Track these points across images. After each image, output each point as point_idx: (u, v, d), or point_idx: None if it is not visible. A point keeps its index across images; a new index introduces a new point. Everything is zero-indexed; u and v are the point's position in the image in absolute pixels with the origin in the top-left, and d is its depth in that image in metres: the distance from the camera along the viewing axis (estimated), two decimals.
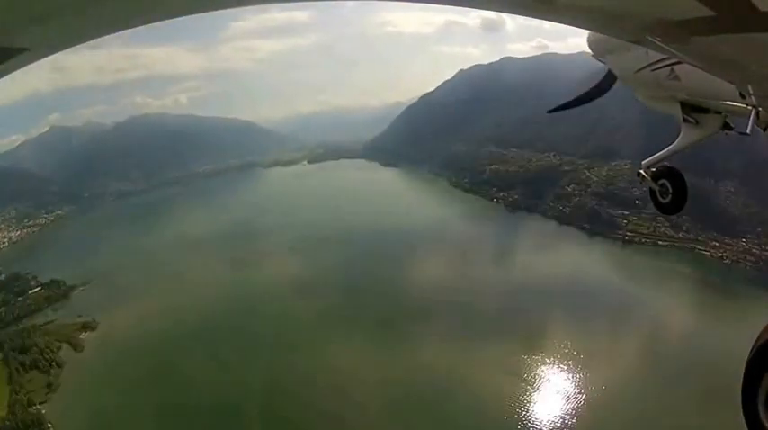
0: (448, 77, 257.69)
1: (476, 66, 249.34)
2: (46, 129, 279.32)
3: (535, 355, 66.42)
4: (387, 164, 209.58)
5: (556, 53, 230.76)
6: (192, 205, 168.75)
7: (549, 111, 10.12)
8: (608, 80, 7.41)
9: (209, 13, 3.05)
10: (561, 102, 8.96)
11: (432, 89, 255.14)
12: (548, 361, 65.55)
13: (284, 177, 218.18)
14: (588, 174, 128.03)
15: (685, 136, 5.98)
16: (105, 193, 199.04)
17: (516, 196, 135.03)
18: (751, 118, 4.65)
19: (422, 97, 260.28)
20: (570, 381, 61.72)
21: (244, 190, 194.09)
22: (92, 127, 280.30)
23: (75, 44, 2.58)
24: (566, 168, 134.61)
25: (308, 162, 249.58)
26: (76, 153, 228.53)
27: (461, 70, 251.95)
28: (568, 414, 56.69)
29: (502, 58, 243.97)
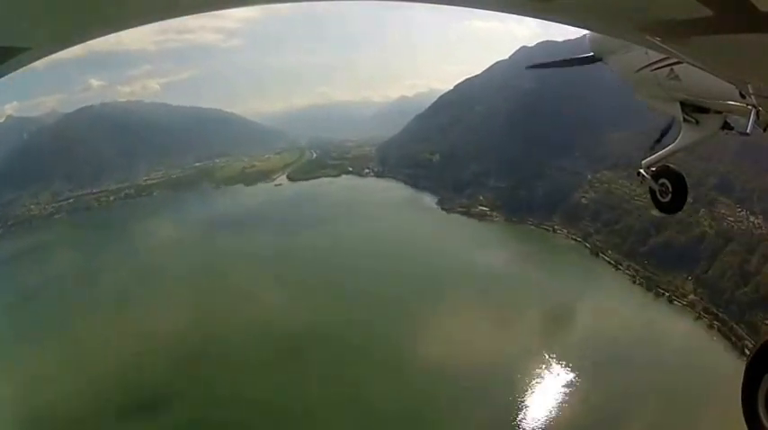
0: (501, 58, 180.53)
1: (546, 42, 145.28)
2: (2, 120, 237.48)
3: None
4: (433, 192, 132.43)
5: None
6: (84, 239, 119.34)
7: (528, 67, 9.91)
8: (584, 61, 7.35)
9: None
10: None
11: (471, 74, 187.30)
12: None
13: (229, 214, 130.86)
14: None
15: (685, 136, 5.99)
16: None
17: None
18: (751, 118, 4.67)
19: (460, 85, 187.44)
20: None
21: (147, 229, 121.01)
22: (53, 117, 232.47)
23: (76, 43, 2.59)
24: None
25: (290, 178, 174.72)
26: (25, 149, 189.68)
27: (524, 47, 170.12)
28: None
29: (581, 36, 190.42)
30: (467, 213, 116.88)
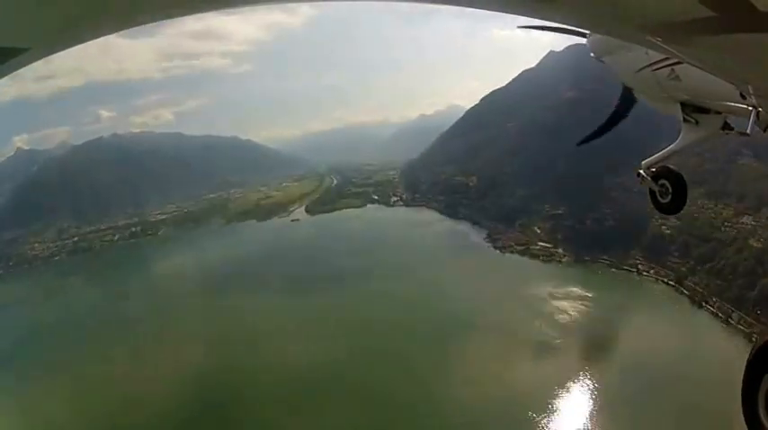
0: (527, 66, 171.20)
1: (574, 45, 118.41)
2: (11, 152, 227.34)
3: None
4: (476, 223, 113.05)
5: None
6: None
7: (579, 144, 9.95)
8: (626, 102, 7.42)
9: None
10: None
11: (495, 87, 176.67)
12: None
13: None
14: None
15: (686, 136, 6.01)
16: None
17: None
18: (751, 118, 4.68)
19: (486, 98, 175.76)
20: None
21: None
22: (63, 150, 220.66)
23: (76, 44, 2.59)
24: None
25: (308, 210, 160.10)
26: (32, 183, 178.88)
27: (552, 52, 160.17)
28: None
29: None
30: (526, 252, 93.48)
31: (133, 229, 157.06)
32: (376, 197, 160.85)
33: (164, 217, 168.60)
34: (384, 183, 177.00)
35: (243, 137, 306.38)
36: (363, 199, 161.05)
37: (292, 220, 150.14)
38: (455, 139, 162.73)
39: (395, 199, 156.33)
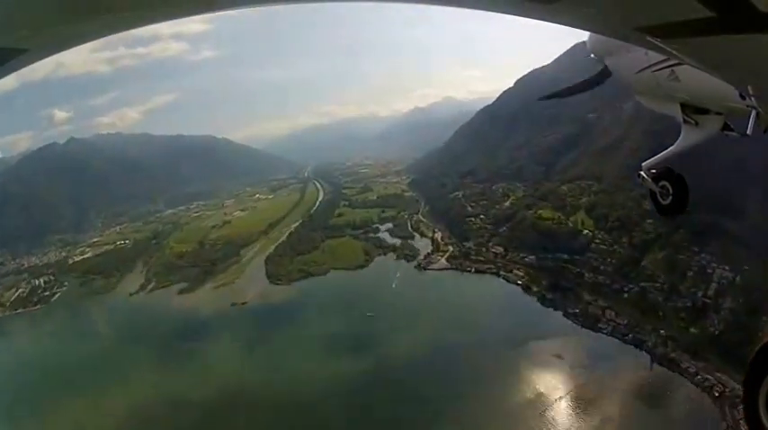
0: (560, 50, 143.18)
1: None
2: None
3: None
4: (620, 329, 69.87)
5: None
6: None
7: (540, 99, 10.14)
8: (601, 76, 7.42)
9: None
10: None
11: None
12: None
13: None
14: None
15: (686, 137, 6.03)
16: None
17: None
18: (751, 119, 4.68)
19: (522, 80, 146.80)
20: None
21: None
22: (18, 158, 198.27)
23: (75, 45, 2.59)
24: None
25: (272, 277, 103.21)
26: None
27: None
28: None
29: None
30: None
31: (37, 282, 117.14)
32: (387, 232, 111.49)
33: (88, 254, 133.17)
34: (392, 199, 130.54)
35: (218, 135, 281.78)
36: (367, 240, 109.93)
37: (232, 305, 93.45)
38: (476, 136, 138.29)
39: (424, 245, 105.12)
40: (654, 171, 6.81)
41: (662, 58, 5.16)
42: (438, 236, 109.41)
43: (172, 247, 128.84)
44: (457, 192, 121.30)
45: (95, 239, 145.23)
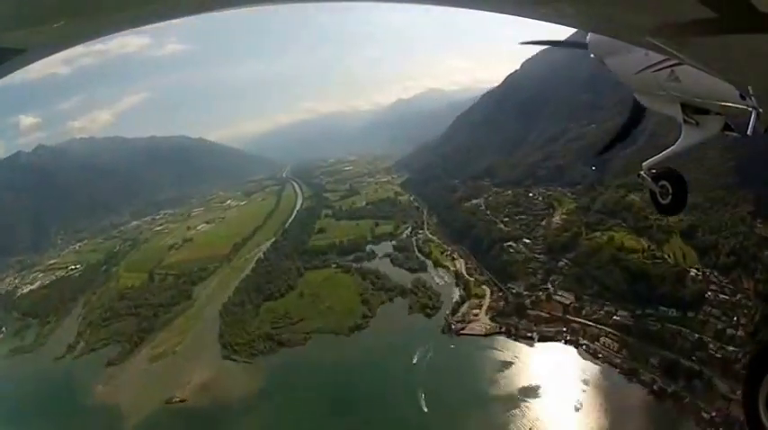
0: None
1: None
2: None
3: None
4: None
5: None
6: None
7: (597, 155, 10.17)
8: (637, 111, 7.44)
9: None
10: None
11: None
12: None
13: None
14: None
15: (686, 137, 6.07)
16: None
17: None
18: (751, 119, 4.69)
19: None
20: None
21: None
22: None
23: (73, 45, 2.59)
24: None
25: (220, 318, 79.56)
26: None
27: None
28: None
29: None
30: None
31: None
32: (387, 258, 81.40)
33: (36, 284, 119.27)
34: (386, 206, 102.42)
35: (193, 136, 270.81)
36: (361, 274, 78.17)
37: (166, 403, 66.42)
38: (489, 125, 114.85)
39: (445, 285, 72.13)
40: (654, 171, 6.85)
41: (662, 58, 5.17)
42: (460, 265, 75.37)
43: (119, 278, 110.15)
44: (475, 200, 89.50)
45: (52, 261, 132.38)
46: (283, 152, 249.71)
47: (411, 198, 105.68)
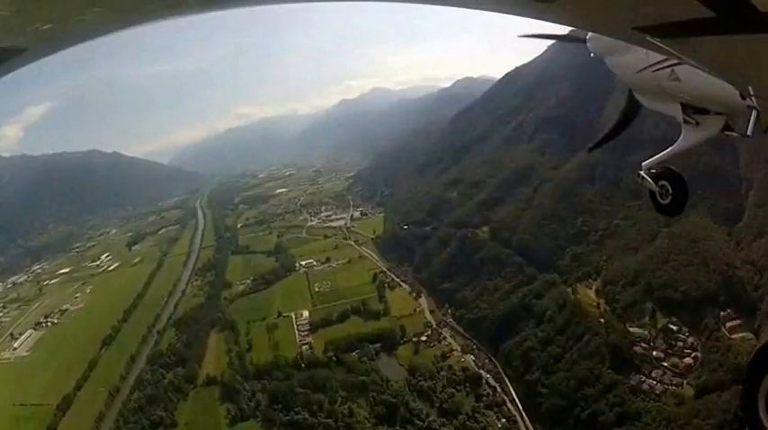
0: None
1: None
2: None
3: None
4: None
5: None
6: None
7: (590, 150, 10.17)
8: (630, 109, 7.44)
9: None
10: None
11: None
12: None
13: None
14: None
15: (686, 137, 6.05)
16: None
17: None
18: (751, 119, 4.69)
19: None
20: None
21: None
22: None
23: (73, 44, 2.59)
24: None
25: None
26: None
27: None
28: None
29: None
30: None
31: None
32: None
33: None
34: (357, 288, 69.50)
35: (106, 149, 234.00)
36: None
37: None
38: (461, 126, 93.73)
39: None
40: (653, 171, 6.84)
41: (662, 57, 5.17)
42: None
43: None
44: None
45: None
46: (212, 164, 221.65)
47: (392, 265, 70.17)
